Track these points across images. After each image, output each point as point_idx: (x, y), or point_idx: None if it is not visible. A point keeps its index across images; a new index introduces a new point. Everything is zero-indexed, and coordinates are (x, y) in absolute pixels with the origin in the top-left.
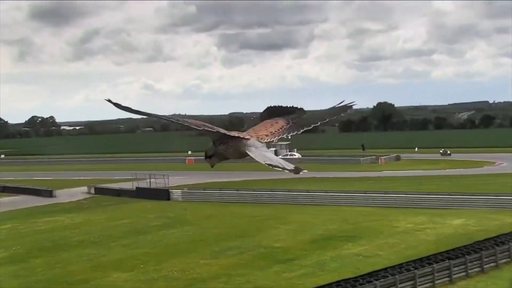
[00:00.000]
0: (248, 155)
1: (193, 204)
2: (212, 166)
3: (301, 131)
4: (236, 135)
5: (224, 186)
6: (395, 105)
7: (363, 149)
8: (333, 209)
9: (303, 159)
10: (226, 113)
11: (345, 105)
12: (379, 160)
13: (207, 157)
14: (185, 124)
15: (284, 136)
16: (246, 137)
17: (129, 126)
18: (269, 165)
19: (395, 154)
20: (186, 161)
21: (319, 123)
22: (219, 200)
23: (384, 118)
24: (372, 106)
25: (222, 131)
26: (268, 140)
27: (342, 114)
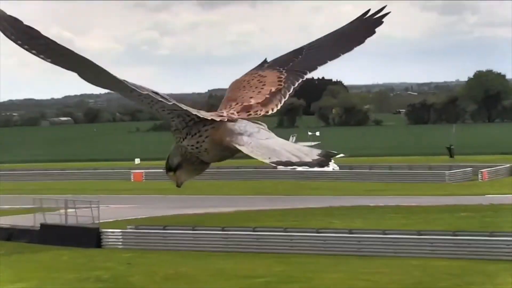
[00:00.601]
0: (238, 151)
1: (143, 255)
2: (178, 186)
3: (305, 77)
4: (209, 117)
5: (200, 222)
6: (507, 77)
7: (451, 155)
8: (396, 263)
9: (343, 172)
10: (204, 90)
11: (373, 19)
12: (480, 175)
13: (170, 169)
14: (136, 91)
15: (288, 93)
16: (225, 117)
17: (29, 115)
18: (275, 163)
19: (509, 165)
20: (132, 176)
21: (328, 62)
22: (190, 248)
23: (488, 99)
24: (466, 78)
25: (190, 109)
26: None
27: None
